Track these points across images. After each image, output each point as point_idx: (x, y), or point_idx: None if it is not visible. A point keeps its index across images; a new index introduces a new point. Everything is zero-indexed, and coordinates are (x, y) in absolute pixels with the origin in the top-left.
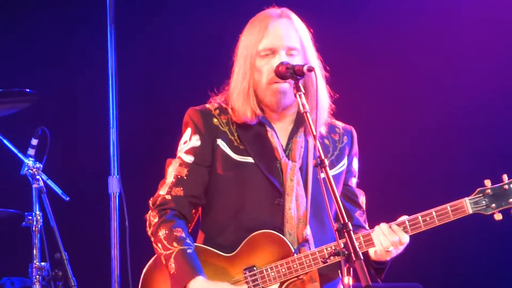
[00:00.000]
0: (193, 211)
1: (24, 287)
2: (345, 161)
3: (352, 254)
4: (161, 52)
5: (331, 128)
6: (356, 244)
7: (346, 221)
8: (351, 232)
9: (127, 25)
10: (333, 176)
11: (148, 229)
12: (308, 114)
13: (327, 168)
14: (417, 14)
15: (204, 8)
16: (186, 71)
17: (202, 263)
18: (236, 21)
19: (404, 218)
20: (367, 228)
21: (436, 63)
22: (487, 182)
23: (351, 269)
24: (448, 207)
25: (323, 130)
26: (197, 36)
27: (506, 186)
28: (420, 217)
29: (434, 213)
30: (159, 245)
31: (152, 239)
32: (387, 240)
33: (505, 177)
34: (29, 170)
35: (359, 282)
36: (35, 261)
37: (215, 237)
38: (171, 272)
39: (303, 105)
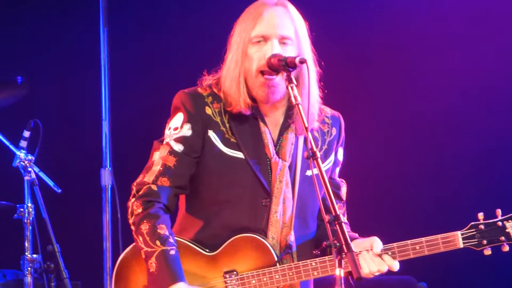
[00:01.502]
0: (177, 200)
1: (16, 279)
2: (332, 157)
3: (344, 246)
4: (154, 43)
5: (321, 117)
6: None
7: (338, 213)
8: (343, 224)
9: (120, 17)
10: (318, 183)
11: (129, 217)
12: (300, 106)
13: (319, 160)
14: (412, 10)
15: (197, 3)
16: (179, 63)
17: (182, 259)
18: (230, 18)
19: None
20: (345, 220)
21: (432, 64)
22: (480, 216)
23: (342, 261)
24: (439, 239)
25: (315, 124)
26: (190, 30)
27: (500, 223)
28: (409, 244)
29: (424, 242)
30: (141, 238)
31: (133, 228)
32: (376, 267)
33: (499, 212)
34: (21, 162)
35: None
36: (27, 253)
37: (196, 230)
38: (151, 271)
39: (295, 97)
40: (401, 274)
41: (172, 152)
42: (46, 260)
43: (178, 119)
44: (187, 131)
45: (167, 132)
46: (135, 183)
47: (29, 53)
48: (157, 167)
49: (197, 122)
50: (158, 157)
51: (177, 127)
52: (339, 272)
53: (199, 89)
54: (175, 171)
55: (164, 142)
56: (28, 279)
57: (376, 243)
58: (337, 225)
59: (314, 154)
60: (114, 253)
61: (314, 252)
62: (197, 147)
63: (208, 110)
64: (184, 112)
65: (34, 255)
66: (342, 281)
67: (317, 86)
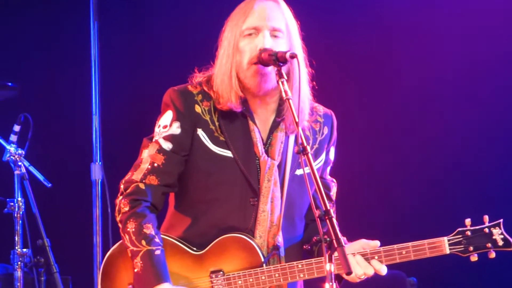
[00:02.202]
0: (165, 199)
1: (6, 273)
2: (323, 156)
3: (334, 241)
4: (145, 38)
5: (313, 116)
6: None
7: (328, 207)
8: (333, 219)
9: (110, 13)
10: (308, 179)
11: (116, 214)
12: (290, 101)
13: (310, 155)
14: (403, 8)
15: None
16: (170, 57)
17: (169, 258)
18: (223, 12)
19: (377, 243)
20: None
21: (423, 66)
22: (468, 222)
23: (333, 256)
24: (426, 244)
25: (305, 123)
26: (180, 26)
27: (486, 230)
28: (396, 249)
29: (410, 247)
30: (127, 237)
31: (120, 226)
32: (362, 270)
33: (486, 218)
34: (11, 157)
35: None
36: (17, 248)
37: (184, 228)
38: (136, 270)
39: (285, 91)
40: (391, 269)
41: (160, 150)
42: (36, 255)
43: (167, 117)
44: (176, 129)
45: (156, 129)
46: (123, 181)
47: (19, 47)
48: (145, 165)
49: (186, 121)
50: (146, 155)
51: (166, 125)
52: (330, 267)
53: (189, 87)
54: (163, 169)
55: (153, 140)
56: (18, 273)
57: (371, 242)
58: (327, 220)
59: (304, 149)
60: (104, 247)
61: (304, 247)
62: (185, 146)
63: (198, 108)
64: (173, 110)
65: (24, 250)
66: (333, 276)
67: (308, 84)
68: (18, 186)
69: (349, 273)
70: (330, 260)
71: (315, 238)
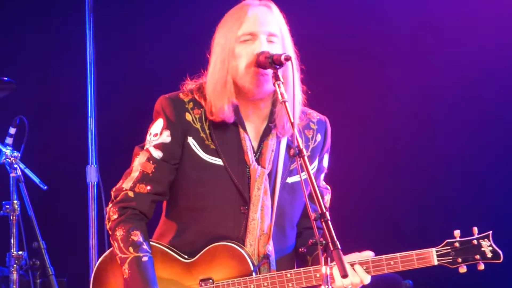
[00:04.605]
0: (155, 206)
1: (2, 276)
2: (315, 164)
3: (330, 244)
4: (140, 41)
5: (306, 121)
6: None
7: (324, 210)
8: (329, 221)
9: (106, 14)
10: (303, 180)
11: (106, 222)
12: (286, 103)
13: (306, 157)
14: (399, 9)
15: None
16: (165, 60)
17: (159, 265)
18: (215, 10)
19: (369, 253)
20: None
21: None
22: (456, 233)
23: (328, 258)
24: (414, 255)
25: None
26: (176, 27)
27: (475, 241)
28: (384, 260)
29: (399, 257)
30: (116, 244)
31: (110, 233)
32: (349, 280)
33: (475, 230)
34: (7, 159)
35: None
36: (12, 250)
37: (174, 236)
38: (124, 277)
39: (281, 94)
40: (386, 272)
41: (150, 158)
42: (32, 257)
43: (158, 125)
44: (166, 137)
45: (147, 137)
46: (114, 189)
47: (14, 48)
48: (135, 174)
49: (176, 129)
50: (137, 163)
51: (157, 133)
52: (325, 270)
53: (181, 94)
54: (153, 177)
55: (144, 148)
56: (14, 276)
57: (363, 253)
58: (323, 223)
59: (300, 151)
60: (99, 250)
61: (300, 250)
62: (176, 154)
63: (188, 117)
64: (164, 118)
65: (20, 252)
66: (329, 279)
67: (300, 88)
68: (13, 189)
69: (344, 276)
70: (326, 263)
71: (311, 241)
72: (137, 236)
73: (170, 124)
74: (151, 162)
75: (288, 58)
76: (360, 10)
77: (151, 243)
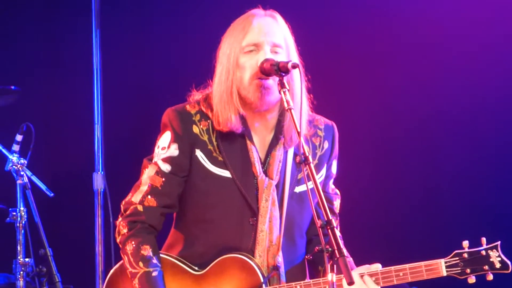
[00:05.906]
0: (164, 219)
1: (8, 283)
2: (323, 171)
3: (336, 251)
4: (146, 48)
5: (313, 129)
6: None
7: (330, 218)
8: (335, 229)
9: (113, 22)
10: (310, 189)
11: (116, 236)
12: (292, 111)
13: (312, 165)
14: (403, 13)
15: (189, 6)
16: (171, 68)
17: (170, 277)
18: (221, 20)
19: (378, 266)
20: (339, 233)
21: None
22: (465, 244)
23: (335, 266)
24: (423, 266)
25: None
26: (182, 34)
27: (484, 252)
28: (393, 271)
29: (408, 269)
30: (126, 258)
31: (120, 247)
32: None
33: (483, 240)
34: (14, 166)
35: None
36: (19, 257)
37: (184, 247)
38: None
39: (287, 101)
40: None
41: (159, 172)
42: (38, 264)
43: (165, 138)
44: (174, 151)
45: (156, 150)
46: (123, 202)
47: (21, 56)
48: (144, 187)
49: (184, 142)
50: (146, 176)
51: (165, 146)
52: (331, 277)
53: (188, 106)
54: (162, 191)
55: (153, 161)
56: (20, 283)
57: (372, 266)
58: (329, 230)
59: (306, 159)
60: (106, 257)
61: (306, 257)
62: (184, 167)
63: (196, 129)
64: (171, 131)
65: (27, 259)
66: (335, 286)
67: (306, 96)
68: (20, 196)
69: (351, 283)
70: (332, 270)
71: (317, 248)
72: (147, 251)
73: (178, 138)
74: (159, 175)
75: (295, 66)
76: (368, 11)
77: (161, 255)
